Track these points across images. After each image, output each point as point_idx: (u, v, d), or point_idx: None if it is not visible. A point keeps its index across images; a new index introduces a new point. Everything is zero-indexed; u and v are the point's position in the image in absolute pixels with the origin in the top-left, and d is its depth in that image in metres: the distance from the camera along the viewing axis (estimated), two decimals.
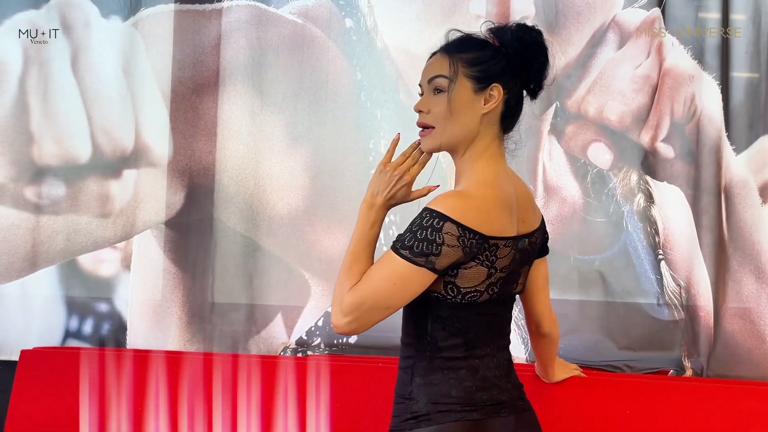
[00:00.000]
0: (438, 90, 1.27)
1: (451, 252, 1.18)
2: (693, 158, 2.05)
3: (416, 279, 1.19)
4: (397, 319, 1.30)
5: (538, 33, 1.30)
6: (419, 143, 1.30)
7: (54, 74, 2.12)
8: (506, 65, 1.27)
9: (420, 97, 1.31)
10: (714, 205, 2.03)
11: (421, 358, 1.28)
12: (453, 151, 1.30)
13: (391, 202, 1.28)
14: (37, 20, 2.14)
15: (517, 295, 1.40)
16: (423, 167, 1.30)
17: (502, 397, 1.30)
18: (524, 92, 1.32)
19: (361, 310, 1.19)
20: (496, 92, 1.27)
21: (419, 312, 1.27)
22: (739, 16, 2.07)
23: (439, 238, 1.18)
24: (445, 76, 1.27)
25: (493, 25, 1.31)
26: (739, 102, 2.05)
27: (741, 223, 2.03)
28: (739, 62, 2.05)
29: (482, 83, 1.26)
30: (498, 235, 1.23)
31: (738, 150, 2.05)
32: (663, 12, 2.06)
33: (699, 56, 2.05)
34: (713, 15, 2.07)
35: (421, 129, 1.30)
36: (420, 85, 1.31)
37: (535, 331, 1.56)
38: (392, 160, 1.30)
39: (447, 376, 1.26)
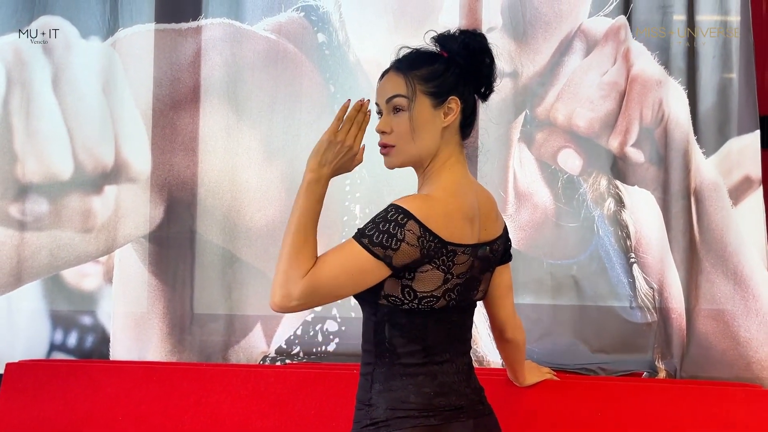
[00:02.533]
0: (398, 109, 1.29)
1: (409, 251, 1.20)
2: (662, 162, 2.07)
3: (372, 271, 1.20)
4: None
5: (482, 37, 1.32)
6: (362, 104, 1.25)
7: (36, 95, 2.16)
8: (459, 75, 1.29)
9: (378, 116, 1.32)
10: (684, 208, 2.05)
11: (381, 365, 1.30)
12: (417, 165, 1.32)
13: (336, 173, 1.26)
14: (19, 43, 2.19)
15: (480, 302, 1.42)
16: (364, 131, 1.27)
17: (460, 402, 1.31)
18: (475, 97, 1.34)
19: (314, 295, 1.19)
20: (454, 104, 1.29)
21: (378, 319, 1.29)
22: (705, 19, 2.09)
23: (401, 234, 1.19)
24: (403, 96, 1.28)
25: (435, 34, 1.33)
26: (708, 105, 2.07)
27: (712, 225, 2.04)
28: (706, 66, 2.07)
29: (440, 98, 1.28)
30: (457, 242, 1.25)
31: (708, 153, 2.07)
32: (629, 19, 2.09)
33: (666, 61, 2.08)
34: (680, 20, 2.09)
35: (382, 147, 1.31)
36: (377, 104, 1.32)
37: (499, 337, 1.59)
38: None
39: (406, 382, 1.28)
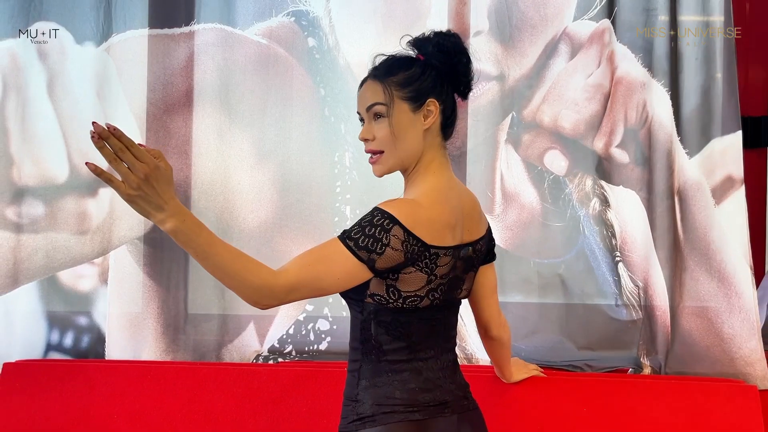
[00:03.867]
0: (378, 116, 1.31)
1: (393, 255, 1.22)
2: (647, 163, 2.10)
3: (354, 273, 1.22)
4: None
5: (456, 36, 1.34)
6: (98, 134, 1.05)
7: (31, 99, 2.19)
8: (435, 77, 1.31)
9: (361, 125, 1.35)
10: (668, 208, 2.08)
11: (367, 362, 1.32)
12: (402, 169, 1.35)
13: (173, 190, 1.12)
14: (15, 48, 2.22)
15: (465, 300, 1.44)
16: (133, 143, 1.07)
17: (445, 397, 1.34)
18: (455, 96, 1.36)
19: (298, 292, 1.20)
20: (433, 107, 1.31)
21: (364, 317, 1.31)
22: (688, 19, 2.12)
23: (386, 239, 1.21)
24: (381, 103, 1.30)
25: (411, 38, 1.35)
26: (691, 107, 2.10)
27: (696, 224, 2.07)
28: (690, 67, 2.10)
29: (418, 101, 1.31)
30: (439, 245, 1.27)
31: (691, 153, 2.10)
32: (613, 22, 2.12)
33: (649, 64, 2.11)
34: (663, 22, 2.12)
35: (370, 156, 1.34)
36: (358, 112, 1.35)
37: (484, 334, 1.61)
38: (126, 178, 1.08)
39: (391, 378, 1.31)
